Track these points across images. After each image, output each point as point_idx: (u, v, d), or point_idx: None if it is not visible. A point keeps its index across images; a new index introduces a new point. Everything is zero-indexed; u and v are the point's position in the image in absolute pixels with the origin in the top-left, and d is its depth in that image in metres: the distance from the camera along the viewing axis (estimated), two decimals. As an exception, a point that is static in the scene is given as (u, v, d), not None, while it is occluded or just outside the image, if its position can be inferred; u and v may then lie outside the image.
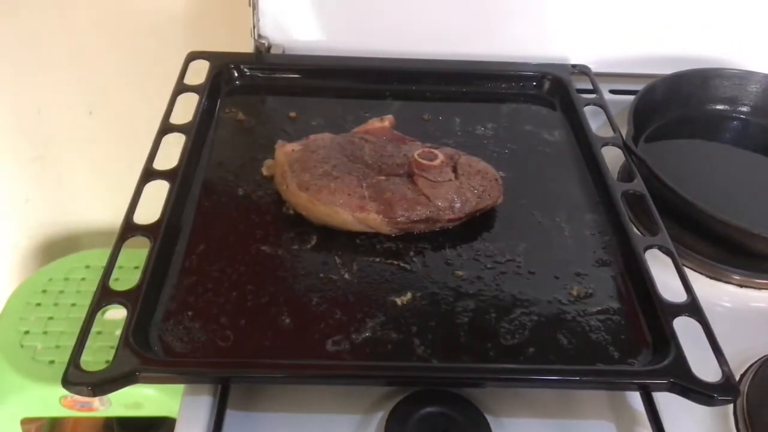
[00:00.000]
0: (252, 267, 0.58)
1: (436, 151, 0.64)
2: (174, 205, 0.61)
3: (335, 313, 0.55)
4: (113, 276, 0.55)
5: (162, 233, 0.58)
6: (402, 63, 0.81)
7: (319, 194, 0.61)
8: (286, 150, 0.65)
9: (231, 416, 0.52)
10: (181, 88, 0.74)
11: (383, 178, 0.63)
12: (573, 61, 0.85)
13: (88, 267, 1.15)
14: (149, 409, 1.00)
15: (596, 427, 0.54)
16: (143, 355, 0.49)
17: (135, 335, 0.50)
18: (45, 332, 1.04)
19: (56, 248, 1.24)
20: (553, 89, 0.80)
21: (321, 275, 0.58)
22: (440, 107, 0.79)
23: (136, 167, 0.64)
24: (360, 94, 0.79)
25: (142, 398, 0.99)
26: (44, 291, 1.10)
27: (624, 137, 0.71)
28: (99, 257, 1.17)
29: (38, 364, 1.00)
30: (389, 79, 0.80)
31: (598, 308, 0.57)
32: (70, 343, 1.04)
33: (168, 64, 0.79)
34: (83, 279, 1.13)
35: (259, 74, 0.80)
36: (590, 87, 0.80)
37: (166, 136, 0.68)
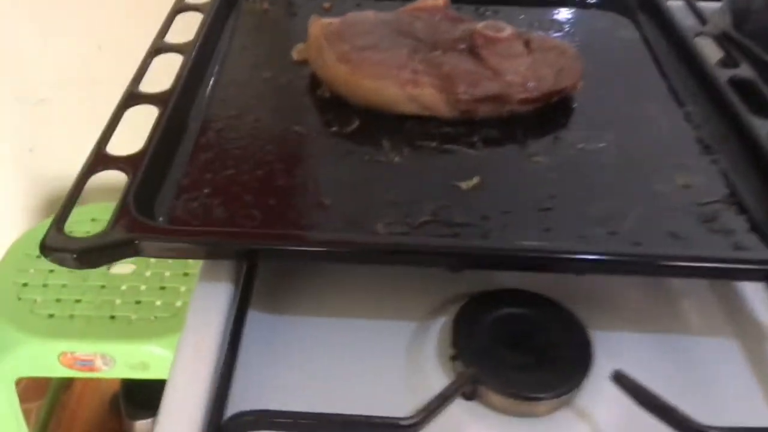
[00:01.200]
0: (282, 146, 0.48)
1: (502, 23, 0.54)
2: (187, 79, 0.50)
3: (384, 194, 0.44)
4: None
5: (173, 102, 0.47)
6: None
7: (362, 66, 0.50)
8: (322, 23, 0.54)
9: (254, 318, 0.41)
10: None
11: (439, 52, 0.52)
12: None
13: (93, 220, 1.04)
14: (156, 370, 0.89)
15: (713, 346, 0.42)
16: (145, 223, 0.38)
17: (136, 201, 0.39)
18: (45, 285, 0.94)
19: (60, 201, 1.14)
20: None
21: (366, 158, 0.47)
22: (496, 6, 0.68)
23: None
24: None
25: (149, 357, 0.88)
26: (45, 244, 1.00)
27: (721, 25, 0.60)
28: (105, 211, 1.07)
29: (36, 318, 0.90)
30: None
31: (710, 199, 0.46)
32: (71, 296, 0.94)
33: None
34: (88, 232, 1.02)
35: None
36: None
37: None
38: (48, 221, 1.03)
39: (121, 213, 0.38)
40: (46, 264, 0.97)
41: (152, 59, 0.52)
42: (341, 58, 0.51)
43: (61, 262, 0.36)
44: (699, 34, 0.60)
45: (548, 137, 0.50)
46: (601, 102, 0.55)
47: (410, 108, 0.50)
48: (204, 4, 0.59)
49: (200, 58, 0.53)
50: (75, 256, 0.36)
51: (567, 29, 0.64)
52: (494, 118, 0.51)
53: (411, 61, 0.51)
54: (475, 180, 0.46)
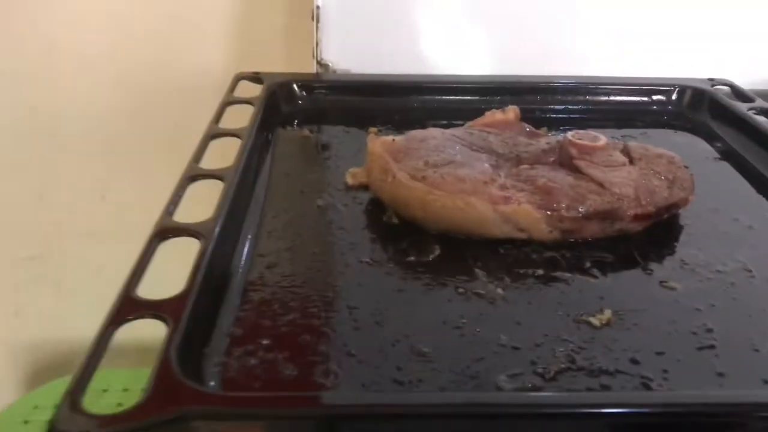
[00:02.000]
0: (353, 281, 0.38)
1: (595, 132, 0.46)
2: (230, 208, 0.41)
3: (498, 336, 0.34)
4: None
5: (216, 235, 0.38)
6: (510, 78, 0.66)
7: (442, 182, 0.42)
8: (383, 140, 0.46)
9: None
10: (229, 99, 0.57)
11: (527, 166, 0.44)
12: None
13: (105, 391, 0.91)
14: None
15: None
16: (195, 390, 0.27)
17: (180, 359, 0.28)
18: (25, 471, 0.79)
19: (45, 370, 1.01)
20: (696, 102, 0.64)
21: (460, 290, 0.37)
22: (559, 122, 0.61)
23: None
24: (454, 113, 0.62)
25: None
26: (26, 422, 0.86)
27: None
28: (97, 380, 0.94)
29: None
30: (490, 94, 0.64)
31: None
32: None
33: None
34: (121, 404, 0.89)
35: (326, 95, 0.64)
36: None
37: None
38: (30, 395, 0.89)
39: (161, 375, 0.27)
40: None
41: (187, 187, 0.43)
42: (415, 176, 0.42)
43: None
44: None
45: (672, 259, 0.41)
46: (714, 217, 0.46)
47: (501, 230, 0.41)
48: (240, 129, 0.51)
49: (242, 184, 0.44)
50: (99, 443, 0.24)
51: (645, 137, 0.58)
52: (600, 240, 0.43)
53: (497, 176, 0.43)
54: (608, 314, 0.36)
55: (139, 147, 0.88)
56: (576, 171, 0.43)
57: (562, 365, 0.32)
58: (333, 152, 0.55)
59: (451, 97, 0.64)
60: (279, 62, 0.73)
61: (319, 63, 0.66)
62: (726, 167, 0.55)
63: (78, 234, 0.94)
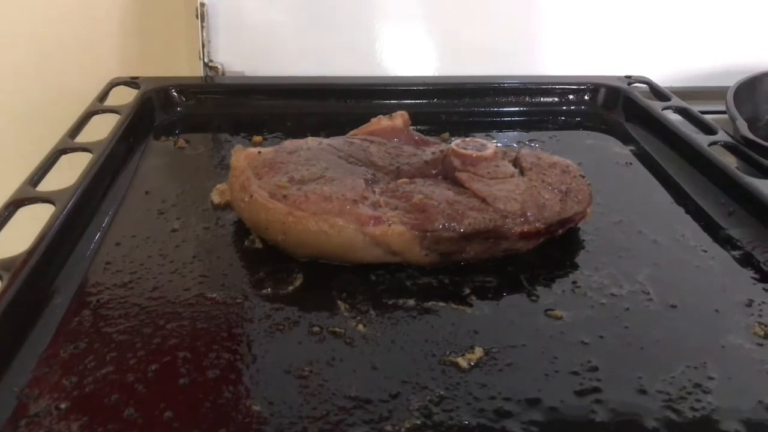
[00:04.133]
0: (190, 325, 0.32)
1: (482, 140, 0.41)
2: (56, 237, 0.36)
3: (348, 388, 0.29)
4: None
5: (29, 269, 0.32)
6: (407, 80, 0.61)
7: (304, 202, 0.36)
8: (248, 152, 0.41)
9: None
10: (95, 108, 0.51)
11: (406, 180, 0.40)
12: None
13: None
14: None
15: None
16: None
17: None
18: None
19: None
20: (611, 101, 0.60)
21: (315, 329, 0.32)
22: (464, 128, 0.57)
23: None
24: (349, 120, 0.56)
25: None
26: None
27: (737, 132, 0.50)
28: None
29: None
30: (390, 97, 0.59)
31: (809, 352, 0.32)
32: None
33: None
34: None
35: (207, 99, 0.58)
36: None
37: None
38: None
39: None
40: None
41: (16, 211, 0.37)
42: (275, 195, 0.37)
43: None
44: (713, 143, 0.49)
45: (563, 283, 0.37)
46: (617, 231, 0.42)
47: (373, 254, 0.37)
48: (93, 143, 0.45)
49: (78, 209, 0.39)
50: None
51: (554, 148, 0.53)
52: (484, 262, 0.38)
53: (370, 193, 0.38)
54: (479, 352, 0.31)
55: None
56: (458, 184, 0.39)
57: (417, 421, 0.27)
58: (208, 166, 0.50)
59: (342, 102, 0.58)
60: (182, 68, 0.67)
61: (207, 65, 0.60)
62: (638, 172, 0.51)
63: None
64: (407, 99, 0.59)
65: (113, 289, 0.35)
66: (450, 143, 0.42)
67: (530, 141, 0.55)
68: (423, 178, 0.40)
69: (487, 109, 0.59)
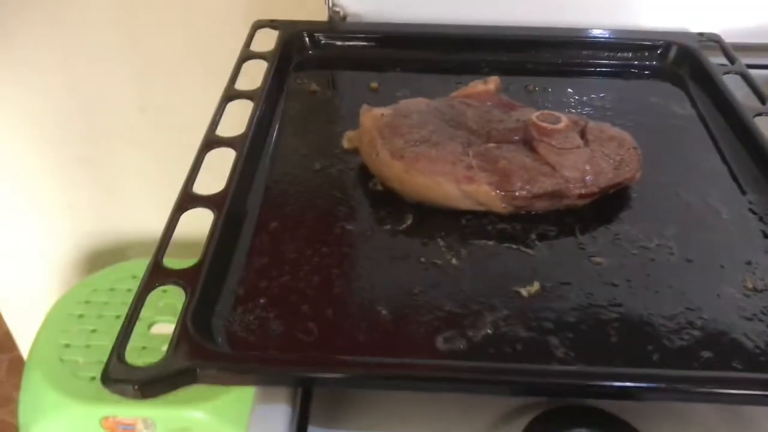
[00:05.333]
0: (336, 248, 0.47)
1: (557, 113, 0.52)
2: (241, 176, 0.50)
3: (444, 304, 0.43)
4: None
5: (228, 205, 0.47)
6: (499, 30, 0.70)
7: (416, 162, 0.49)
8: (374, 114, 0.54)
9: (313, 433, 0.40)
10: (247, 54, 0.64)
11: (493, 145, 0.52)
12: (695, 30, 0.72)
13: (134, 277, 1.05)
14: (199, 436, 0.89)
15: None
16: (205, 348, 0.37)
17: (195, 323, 0.39)
18: (87, 346, 0.94)
19: (101, 258, 1.15)
20: (680, 59, 0.68)
21: (422, 260, 0.46)
22: (547, 80, 0.67)
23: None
24: (451, 67, 0.68)
25: (191, 422, 0.87)
26: (87, 302, 1.00)
27: (782, 106, 0.58)
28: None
29: (78, 381, 0.90)
30: (484, 49, 0.69)
31: (783, 304, 0.44)
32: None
33: (229, 50, 0.70)
34: (129, 290, 1.03)
35: (335, 43, 0.70)
36: (722, 60, 0.68)
37: (231, 105, 0.58)
38: (89, 279, 1.03)
39: (181, 337, 0.37)
40: (89, 323, 0.97)
41: (204, 155, 0.51)
42: (395, 155, 0.50)
43: (123, 393, 0.35)
44: (759, 114, 0.58)
45: (607, 234, 0.49)
46: (659, 191, 0.53)
47: (465, 204, 0.50)
48: (254, 90, 0.59)
49: (252, 152, 0.53)
50: (137, 387, 0.35)
51: (619, 105, 0.63)
52: (549, 213, 0.50)
53: (465, 156, 0.50)
54: (536, 286, 0.45)
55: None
56: (534, 151, 0.50)
57: (489, 330, 0.41)
58: (337, 112, 0.62)
59: (449, 55, 0.69)
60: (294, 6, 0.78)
61: (331, 8, 0.71)
62: (690, 133, 0.60)
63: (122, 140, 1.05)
64: (498, 49, 0.69)
65: (280, 219, 0.49)
66: (532, 115, 0.53)
67: (602, 95, 0.64)
68: (507, 143, 0.52)
69: (561, 61, 0.69)
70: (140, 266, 1.08)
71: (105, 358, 0.98)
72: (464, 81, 0.66)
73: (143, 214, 1.12)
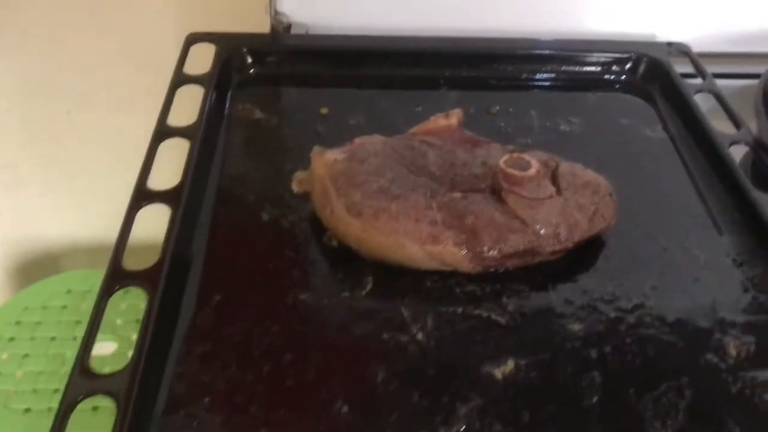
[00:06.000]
0: (288, 326, 0.42)
1: (527, 157, 0.48)
2: (178, 240, 0.44)
3: (411, 396, 0.39)
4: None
5: (163, 281, 0.41)
6: (458, 43, 0.65)
7: (376, 220, 0.44)
8: (326, 160, 0.48)
9: None
10: (180, 78, 0.57)
11: (459, 195, 0.47)
12: (662, 39, 0.69)
13: (69, 292, 0.97)
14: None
15: None
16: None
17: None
18: (19, 373, 0.88)
19: (32, 270, 1.07)
20: (649, 74, 0.64)
21: (385, 336, 0.42)
22: (509, 97, 0.62)
23: (125, 175, 0.49)
24: (408, 83, 0.62)
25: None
26: (18, 323, 0.93)
27: (757, 133, 0.55)
28: (83, 280, 1.00)
29: (10, 414, 0.83)
30: (443, 63, 0.64)
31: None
32: (50, 386, 0.88)
33: (164, 52, 0.62)
34: (64, 307, 0.95)
35: (279, 60, 0.63)
36: (690, 70, 0.64)
37: (164, 142, 0.52)
38: (19, 296, 0.96)
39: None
40: (20, 347, 0.90)
41: (136, 213, 0.45)
42: (352, 211, 0.45)
43: None
44: (734, 143, 0.55)
45: (582, 294, 0.45)
46: (635, 234, 0.50)
47: (431, 265, 0.45)
48: (189, 127, 0.52)
49: (190, 208, 0.47)
50: None
51: (587, 131, 0.59)
52: (520, 269, 0.46)
53: (429, 209, 0.45)
54: (510, 365, 0.41)
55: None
56: (503, 202, 0.46)
57: (463, 427, 0.38)
58: (288, 139, 0.56)
59: (404, 70, 0.63)
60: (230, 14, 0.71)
61: (273, 17, 0.65)
62: (663, 163, 0.56)
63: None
64: (457, 65, 0.64)
65: (226, 290, 0.44)
66: (500, 160, 0.48)
67: (569, 118, 0.60)
68: (474, 191, 0.47)
69: (527, 75, 0.64)
70: (74, 278, 1.01)
71: (39, 386, 0.90)
72: (423, 98, 0.61)
73: (75, 221, 1.04)
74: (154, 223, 0.46)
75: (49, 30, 0.84)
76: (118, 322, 0.91)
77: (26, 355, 0.89)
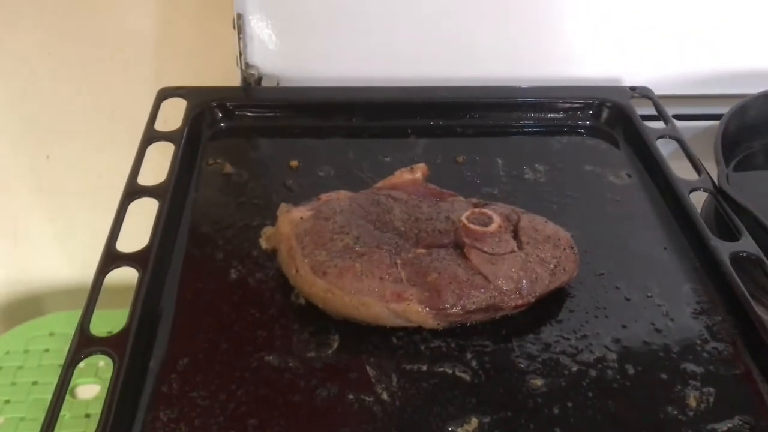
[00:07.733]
0: (254, 389, 0.42)
1: (489, 212, 0.49)
2: (145, 304, 0.45)
3: (376, 458, 0.39)
4: None
5: (130, 347, 0.42)
6: (425, 92, 0.66)
7: (341, 280, 0.45)
8: (292, 218, 0.49)
9: None
10: (151, 135, 0.58)
11: (423, 251, 0.48)
12: (626, 82, 0.70)
13: (52, 335, 0.98)
14: None
15: None
16: None
17: None
18: (0, 420, 0.87)
19: (13, 313, 1.07)
20: (613, 119, 0.66)
21: (350, 397, 0.42)
22: (476, 144, 0.63)
23: (102, 219, 0.51)
24: (376, 133, 0.64)
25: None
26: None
27: (716, 180, 0.56)
28: (65, 322, 1.00)
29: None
30: (411, 113, 0.65)
31: (729, 425, 0.42)
32: (33, 432, 0.85)
33: (138, 102, 0.63)
34: (47, 350, 0.95)
35: (249, 113, 0.64)
36: (653, 113, 0.66)
37: (136, 201, 0.52)
38: (0, 339, 0.95)
39: None
40: (2, 392, 0.90)
41: (104, 276, 0.46)
42: (317, 271, 0.46)
43: None
44: (695, 189, 0.56)
45: (544, 348, 0.46)
46: (598, 284, 0.51)
47: (396, 322, 0.46)
48: (159, 186, 0.53)
49: (158, 269, 0.47)
50: None
51: (552, 178, 0.60)
52: (485, 323, 0.47)
53: (393, 267, 0.46)
54: (474, 424, 0.41)
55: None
56: (466, 258, 0.47)
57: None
58: (257, 195, 0.57)
59: (373, 121, 0.65)
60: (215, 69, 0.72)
61: (244, 72, 0.66)
62: (626, 209, 0.58)
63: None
64: (422, 115, 0.65)
65: (193, 353, 0.44)
66: (462, 216, 0.49)
67: (534, 165, 0.61)
68: (438, 247, 0.48)
69: (493, 122, 0.66)
70: (57, 321, 1.00)
71: (21, 432, 0.88)
72: (391, 148, 0.62)
73: (55, 263, 1.04)
74: (125, 275, 0.47)
75: (22, 83, 0.85)
76: (101, 364, 0.92)
77: (7, 401, 0.89)
